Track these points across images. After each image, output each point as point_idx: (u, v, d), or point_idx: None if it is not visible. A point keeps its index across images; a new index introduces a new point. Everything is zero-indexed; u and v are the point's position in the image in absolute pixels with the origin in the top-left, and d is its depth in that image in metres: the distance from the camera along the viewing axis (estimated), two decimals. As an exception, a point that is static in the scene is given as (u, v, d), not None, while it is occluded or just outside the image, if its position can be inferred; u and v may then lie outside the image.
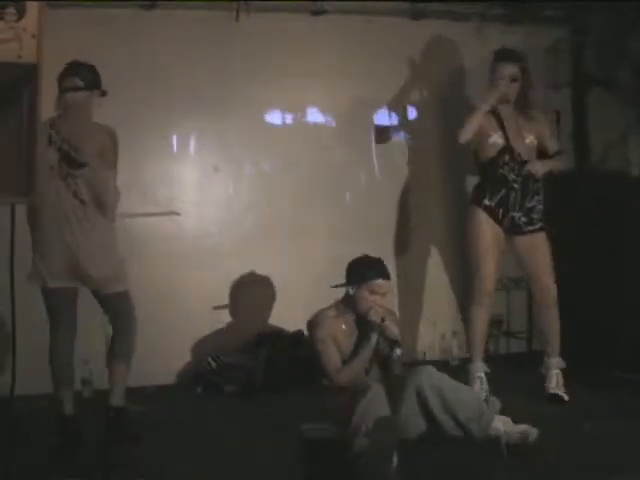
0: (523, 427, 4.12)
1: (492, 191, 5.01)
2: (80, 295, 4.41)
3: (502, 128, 5.01)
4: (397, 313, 4.94)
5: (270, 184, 5.72)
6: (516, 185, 4.98)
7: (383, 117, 5.93)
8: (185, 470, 4.06)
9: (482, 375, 5.08)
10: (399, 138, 5.97)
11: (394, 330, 4.26)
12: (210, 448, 4.35)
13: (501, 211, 5.00)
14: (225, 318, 5.61)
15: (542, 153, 5.10)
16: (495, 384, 5.00)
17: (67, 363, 4.41)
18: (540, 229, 5.05)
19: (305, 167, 5.73)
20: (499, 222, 5.01)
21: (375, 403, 3.92)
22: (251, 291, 5.65)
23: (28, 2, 4.16)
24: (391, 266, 5.68)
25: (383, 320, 4.23)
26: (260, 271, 5.61)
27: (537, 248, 5.06)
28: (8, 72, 4.17)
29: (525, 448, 4.03)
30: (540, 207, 5.04)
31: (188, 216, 5.55)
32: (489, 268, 5.03)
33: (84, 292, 4.44)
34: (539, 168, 4.99)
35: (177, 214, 5.50)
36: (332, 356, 4.24)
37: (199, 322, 5.51)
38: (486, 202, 5.01)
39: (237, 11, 5.40)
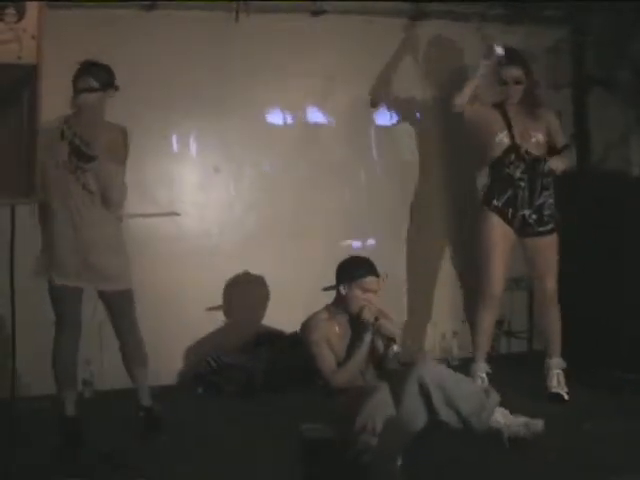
0: (524, 419, 4.13)
1: (500, 191, 5.02)
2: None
3: (509, 127, 5.02)
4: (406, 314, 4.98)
5: (271, 184, 5.71)
6: (523, 184, 4.98)
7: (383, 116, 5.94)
8: (185, 470, 4.08)
9: (484, 375, 5.10)
10: (400, 138, 5.98)
11: (389, 327, 4.28)
12: (210, 448, 4.36)
13: (510, 211, 5.00)
14: (222, 319, 5.61)
15: (552, 149, 5.08)
16: (496, 384, 5.00)
17: (71, 363, 4.44)
18: (551, 230, 5.06)
19: (305, 167, 5.73)
20: (509, 222, 5.01)
21: (382, 403, 3.95)
22: (252, 291, 5.65)
23: (28, 3, 4.17)
24: (393, 265, 5.77)
25: (377, 318, 4.25)
26: (260, 271, 5.61)
27: (547, 249, 5.08)
28: (8, 73, 4.18)
29: (528, 442, 4.05)
30: (550, 202, 5.03)
31: (188, 216, 5.55)
32: (498, 271, 5.04)
33: (86, 292, 4.46)
34: (560, 164, 4.99)
35: (177, 214, 5.50)
36: (327, 358, 4.26)
37: (199, 322, 5.51)
38: (495, 203, 5.02)
39: (237, 11, 5.39)
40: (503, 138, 5.02)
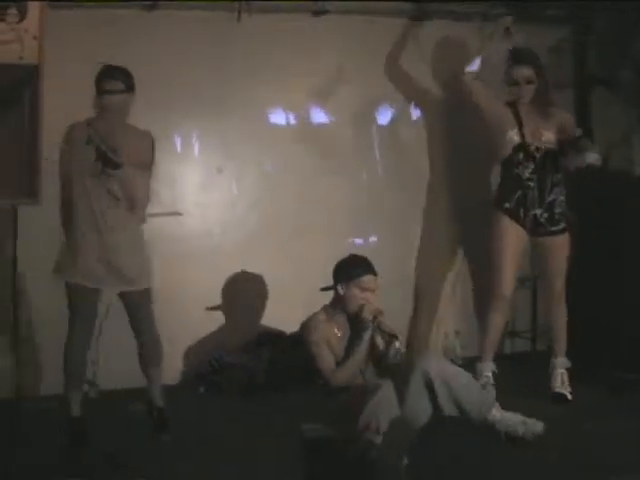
0: (521, 417, 4.12)
1: (509, 192, 5.02)
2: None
3: (519, 125, 5.01)
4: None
5: (272, 184, 5.72)
6: (532, 184, 4.97)
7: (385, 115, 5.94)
8: (186, 470, 4.08)
9: (489, 374, 5.09)
10: (401, 137, 5.98)
11: (390, 324, 4.29)
12: (211, 447, 4.37)
13: (522, 210, 5.00)
14: (222, 318, 5.63)
15: (571, 143, 4.98)
16: (499, 383, 5.01)
17: (81, 362, 4.46)
18: (563, 229, 5.05)
19: (307, 167, 5.73)
20: (522, 223, 5.01)
21: (385, 401, 3.95)
22: (253, 290, 5.66)
23: (30, 3, 4.20)
24: (397, 267, 5.77)
25: (376, 316, 4.25)
26: (262, 270, 5.62)
27: (559, 249, 5.08)
28: (10, 73, 4.21)
29: (528, 442, 4.05)
30: (562, 199, 5.02)
31: (190, 216, 5.56)
32: (510, 273, 5.04)
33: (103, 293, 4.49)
34: (597, 158, 4.93)
35: (179, 214, 5.51)
36: (326, 358, 4.28)
37: (201, 322, 5.52)
38: (506, 205, 5.02)
39: (239, 11, 5.39)
40: (513, 136, 5.01)
